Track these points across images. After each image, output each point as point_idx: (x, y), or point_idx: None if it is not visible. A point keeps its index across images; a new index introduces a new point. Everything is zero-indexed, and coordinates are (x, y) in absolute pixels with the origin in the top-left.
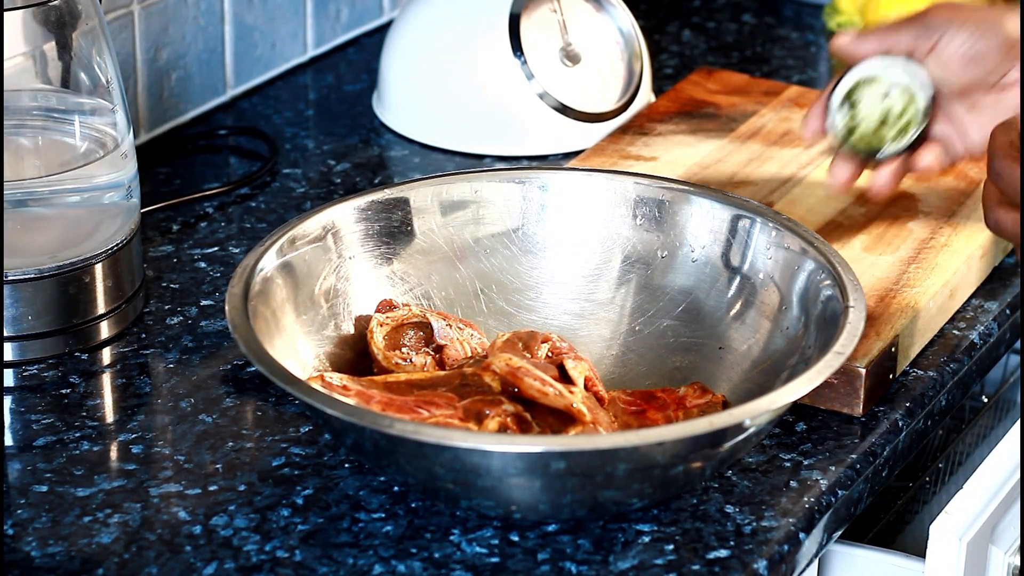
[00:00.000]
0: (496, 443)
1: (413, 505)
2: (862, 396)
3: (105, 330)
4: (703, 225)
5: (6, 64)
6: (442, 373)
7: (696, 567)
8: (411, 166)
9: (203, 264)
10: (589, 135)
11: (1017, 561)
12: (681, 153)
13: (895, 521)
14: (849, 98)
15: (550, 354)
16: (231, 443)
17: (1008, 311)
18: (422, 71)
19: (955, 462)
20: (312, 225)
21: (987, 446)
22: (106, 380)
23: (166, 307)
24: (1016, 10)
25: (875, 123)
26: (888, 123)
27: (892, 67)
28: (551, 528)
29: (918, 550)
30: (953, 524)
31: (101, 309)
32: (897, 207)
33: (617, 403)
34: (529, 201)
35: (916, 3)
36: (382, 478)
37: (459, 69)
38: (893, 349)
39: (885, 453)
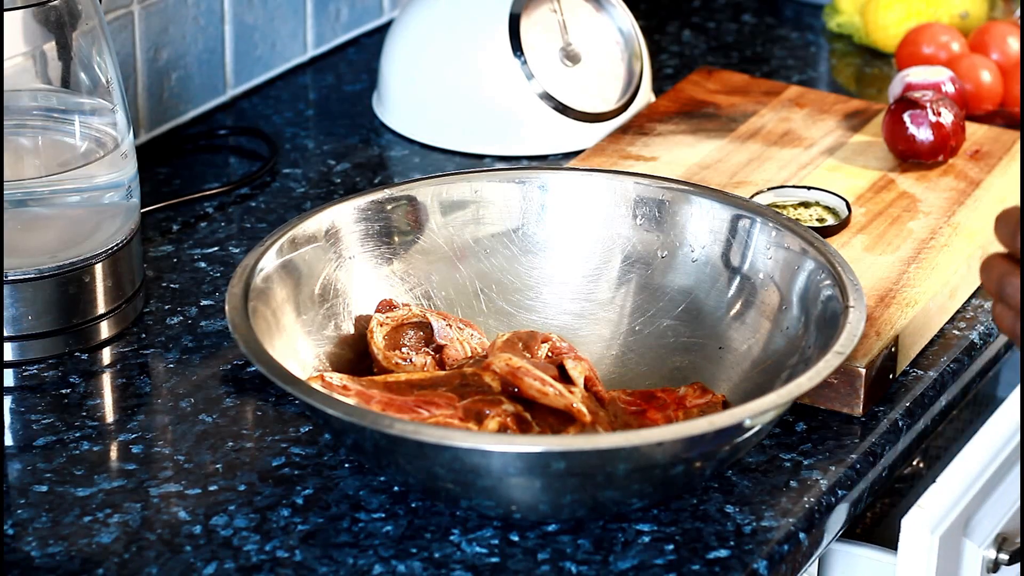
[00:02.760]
0: (496, 443)
1: (413, 505)
2: (862, 396)
3: (105, 330)
4: (703, 225)
5: (6, 64)
6: (442, 373)
7: (696, 567)
8: (411, 166)
9: (203, 264)
10: (589, 135)
11: (992, 555)
12: (681, 153)
13: (875, 516)
14: None
15: (550, 354)
16: (231, 443)
17: None
18: (422, 71)
19: (933, 456)
20: (312, 225)
21: (965, 440)
22: (106, 380)
23: (166, 307)
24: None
25: None
26: None
27: None
28: (551, 528)
29: (892, 545)
30: (925, 518)
31: (101, 309)
32: (897, 207)
33: (617, 403)
34: (529, 201)
35: (916, 4)
36: (382, 478)
37: (459, 69)
38: (893, 349)
39: (885, 453)
